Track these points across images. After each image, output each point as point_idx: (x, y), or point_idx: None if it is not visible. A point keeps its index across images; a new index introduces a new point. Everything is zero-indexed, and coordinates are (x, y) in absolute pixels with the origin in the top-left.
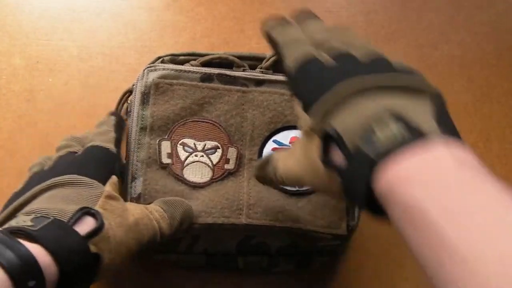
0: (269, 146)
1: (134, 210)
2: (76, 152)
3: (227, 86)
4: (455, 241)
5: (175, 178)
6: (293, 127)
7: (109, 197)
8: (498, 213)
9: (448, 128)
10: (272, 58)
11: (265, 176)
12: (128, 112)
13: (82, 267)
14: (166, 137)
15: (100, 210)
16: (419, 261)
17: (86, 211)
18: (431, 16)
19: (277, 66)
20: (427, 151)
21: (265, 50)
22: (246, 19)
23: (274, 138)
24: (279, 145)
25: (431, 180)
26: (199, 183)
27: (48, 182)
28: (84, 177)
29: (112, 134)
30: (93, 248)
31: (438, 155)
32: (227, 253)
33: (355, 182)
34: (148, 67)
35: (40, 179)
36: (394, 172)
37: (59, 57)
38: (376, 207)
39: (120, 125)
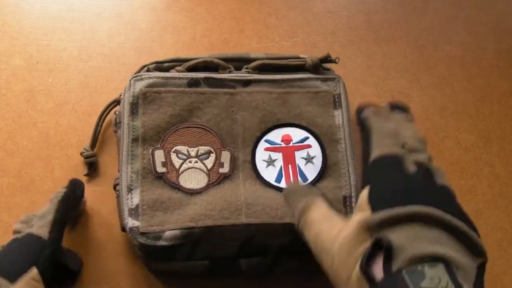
0: (262, 146)
1: None
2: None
3: (214, 90)
4: None
5: (171, 187)
6: (284, 125)
7: None
8: None
9: None
10: (259, 61)
11: (289, 204)
12: (117, 124)
13: None
14: (158, 146)
15: None
16: None
17: None
18: (431, 16)
19: (263, 66)
20: None
21: (265, 50)
22: (246, 19)
23: (266, 137)
24: (272, 145)
25: None
26: (196, 189)
27: None
28: None
29: (50, 217)
30: None
31: None
32: (229, 257)
33: None
34: (134, 77)
35: None
36: None
37: (59, 57)
38: None
39: (66, 200)
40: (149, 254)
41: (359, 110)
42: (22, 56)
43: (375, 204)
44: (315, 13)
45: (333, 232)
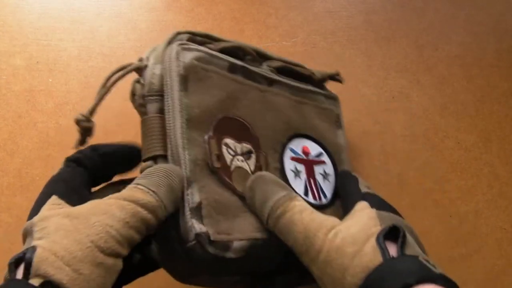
0: (287, 154)
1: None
2: None
3: (248, 82)
4: None
5: (227, 187)
6: (302, 136)
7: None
8: None
9: None
10: (281, 63)
11: (262, 188)
12: (145, 96)
13: None
14: (211, 134)
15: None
16: None
17: (19, 256)
18: (431, 16)
19: (283, 68)
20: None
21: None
22: (246, 19)
23: (290, 145)
24: (295, 155)
25: None
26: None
27: None
28: None
29: None
30: (37, 281)
31: None
32: (268, 272)
33: (395, 274)
34: (181, 44)
35: None
36: None
37: (59, 57)
38: None
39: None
40: (201, 266)
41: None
42: (22, 56)
43: (378, 208)
44: (315, 13)
45: (330, 218)
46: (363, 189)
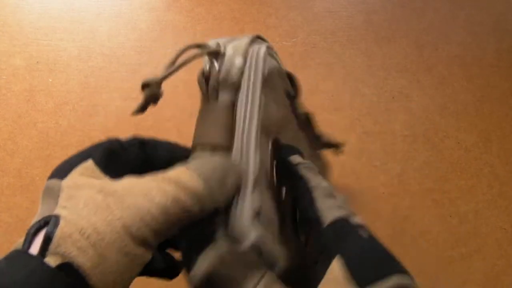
0: None
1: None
2: None
3: (291, 113)
4: None
5: (273, 203)
6: None
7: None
8: None
9: None
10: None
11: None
12: (219, 83)
13: None
14: (270, 146)
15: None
16: None
17: (39, 225)
18: (431, 16)
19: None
20: None
21: None
22: (246, 19)
23: None
24: None
25: None
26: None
27: None
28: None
29: None
30: (54, 260)
31: None
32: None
33: None
34: (268, 48)
35: None
36: None
37: (59, 57)
38: None
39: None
40: None
41: (285, 152)
42: (22, 56)
43: (359, 278)
44: (315, 13)
45: None
46: (329, 205)
